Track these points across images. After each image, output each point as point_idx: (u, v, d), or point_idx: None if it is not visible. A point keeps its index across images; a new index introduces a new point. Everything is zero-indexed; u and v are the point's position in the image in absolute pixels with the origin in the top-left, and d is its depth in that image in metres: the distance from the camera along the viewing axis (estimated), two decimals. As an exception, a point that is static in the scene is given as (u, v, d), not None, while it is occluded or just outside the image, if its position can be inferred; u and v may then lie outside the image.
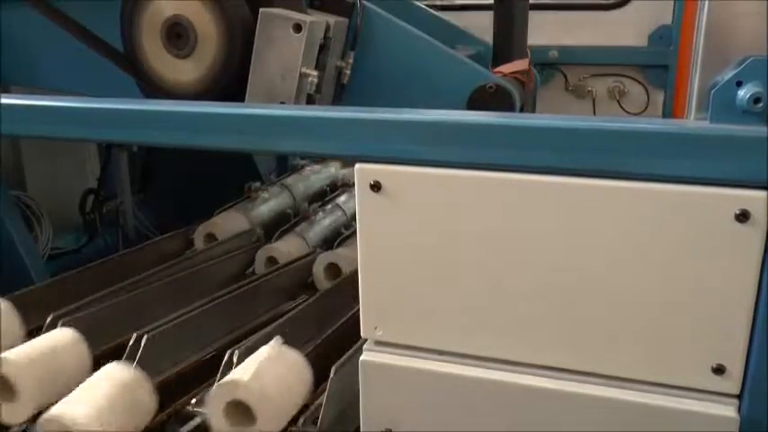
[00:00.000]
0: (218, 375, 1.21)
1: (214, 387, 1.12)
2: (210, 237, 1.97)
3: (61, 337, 1.25)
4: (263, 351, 1.17)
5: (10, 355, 1.17)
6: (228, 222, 1.99)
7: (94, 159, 2.44)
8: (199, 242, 1.95)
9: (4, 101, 1.19)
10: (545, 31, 2.46)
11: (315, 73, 1.37)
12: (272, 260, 1.83)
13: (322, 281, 1.74)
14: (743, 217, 0.80)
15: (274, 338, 1.20)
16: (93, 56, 1.57)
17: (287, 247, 1.86)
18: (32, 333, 1.43)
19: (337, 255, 1.75)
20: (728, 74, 0.80)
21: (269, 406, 1.08)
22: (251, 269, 1.85)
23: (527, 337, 0.95)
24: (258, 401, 1.07)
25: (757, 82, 0.78)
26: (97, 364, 1.32)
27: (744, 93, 0.79)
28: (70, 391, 1.12)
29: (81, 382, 1.14)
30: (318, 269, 1.75)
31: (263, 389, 1.08)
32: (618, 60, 2.66)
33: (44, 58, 1.69)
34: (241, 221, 2.01)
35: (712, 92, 0.82)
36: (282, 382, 1.13)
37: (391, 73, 1.51)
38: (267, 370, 1.12)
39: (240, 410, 1.09)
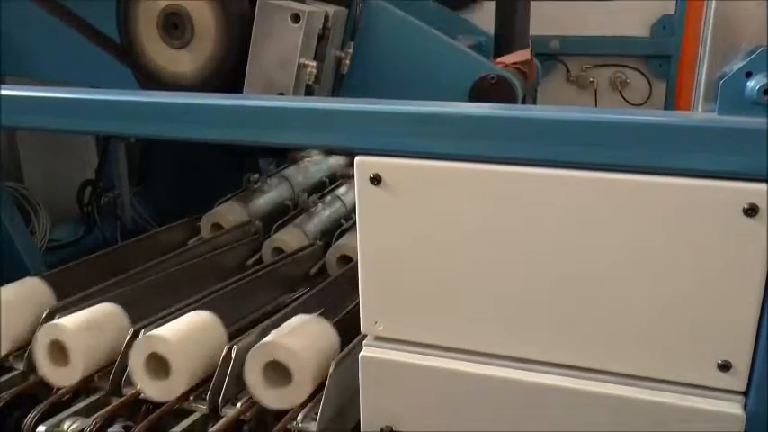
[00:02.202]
0: (216, 371, 1.20)
1: (252, 350, 1.17)
2: (214, 227, 1.96)
3: (106, 308, 1.35)
4: (294, 319, 1.27)
5: (65, 322, 1.26)
6: (227, 214, 1.97)
7: (92, 151, 2.42)
8: (204, 232, 1.95)
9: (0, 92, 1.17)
10: (546, 21, 2.43)
11: (313, 63, 1.35)
12: (277, 251, 1.82)
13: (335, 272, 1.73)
14: (751, 211, 0.79)
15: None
16: (89, 46, 1.55)
17: (290, 239, 1.85)
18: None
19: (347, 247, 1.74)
20: (737, 64, 0.78)
21: (305, 365, 1.15)
22: (250, 261, 1.84)
23: (530, 332, 0.94)
24: (294, 360, 1.14)
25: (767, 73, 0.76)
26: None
27: (753, 84, 0.77)
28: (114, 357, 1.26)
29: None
30: (332, 260, 1.75)
31: (299, 348, 1.16)
32: (620, 51, 2.64)
33: (39, 48, 1.67)
34: (240, 213, 2.00)
35: (720, 83, 0.80)
36: (315, 344, 1.21)
37: (391, 64, 1.49)
38: (301, 332, 1.22)
39: (277, 371, 1.16)
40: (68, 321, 1.27)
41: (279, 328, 1.23)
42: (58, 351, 1.26)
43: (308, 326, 1.26)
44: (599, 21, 2.60)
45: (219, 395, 1.18)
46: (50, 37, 1.62)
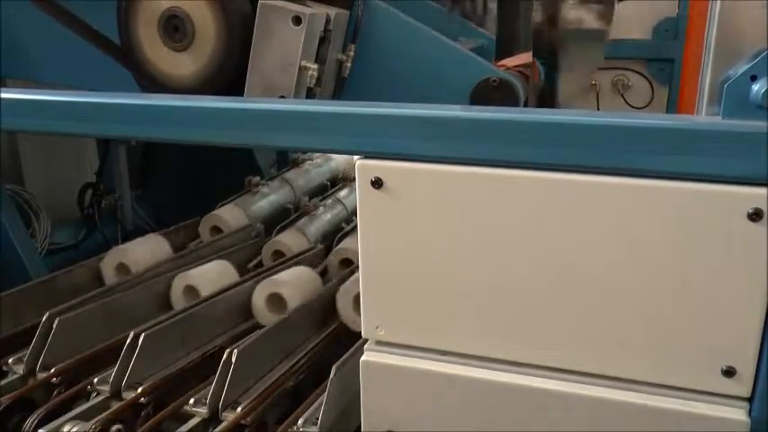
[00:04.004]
0: (217, 375, 1.19)
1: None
2: (214, 230, 1.95)
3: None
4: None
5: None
6: (228, 217, 1.97)
7: (93, 153, 2.42)
8: (205, 235, 1.94)
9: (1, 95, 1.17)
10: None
11: (315, 66, 1.34)
12: (277, 254, 1.82)
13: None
14: (756, 216, 0.78)
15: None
16: (89, 49, 1.54)
17: (291, 242, 1.85)
18: (29, 330, 1.42)
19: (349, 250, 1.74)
20: (742, 68, 0.78)
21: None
22: (251, 264, 1.84)
23: (532, 337, 0.93)
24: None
25: (772, 76, 0.76)
26: (100, 361, 1.35)
27: (758, 87, 0.76)
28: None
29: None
30: (333, 263, 1.76)
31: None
32: (622, 53, 2.62)
33: (39, 50, 1.67)
34: (240, 216, 1.99)
35: (725, 86, 0.79)
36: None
37: (393, 66, 1.49)
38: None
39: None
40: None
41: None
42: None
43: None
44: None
45: (220, 399, 1.18)
46: (51, 40, 1.62)
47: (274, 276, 1.59)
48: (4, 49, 1.66)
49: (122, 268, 1.71)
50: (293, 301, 1.52)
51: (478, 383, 0.97)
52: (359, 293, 1.06)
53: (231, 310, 1.53)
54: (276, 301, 1.55)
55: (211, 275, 1.64)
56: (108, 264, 1.71)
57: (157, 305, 1.58)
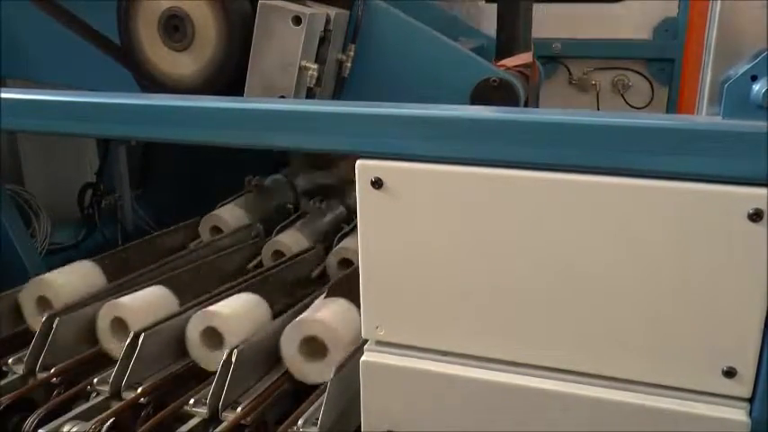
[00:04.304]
0: (217, 375, 1.19)
1: (287, 328, 1.26)
2: (214, 230, 1.95)
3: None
4: (317, 301, 1.36)
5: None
6: (229, 217, 1.97)
7: (93, 153, 2.42)
8: (204, 235, 1.94)
9: (1, 95, 1.17)
10: (548, 23, 2.42)
11: (315, 66, 1.34)
12: (277, 254, 1.81)
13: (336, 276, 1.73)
14: (756, 216, 0.78)
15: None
16: (89, 49, 1.54)
17: (291, 242, 1.84)
18: (29, 330, 1.42)
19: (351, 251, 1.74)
20: (742, 67, 0.78)
21: (338, 337, 1.23)
22: (251, 264, 1.83)
23: (532, 337, 0.93)
24: (328, 333, 1.23)
25: (773, 76, 0.76)
26: (100, 361, 1.35)
27: (759, 87, 0.76)
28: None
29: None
30: (332, 264, 1.75)
31: (332, 322, 1.25)
32: (622, 53, 2.63)
33: (39, 50, 1.67)
34: (240, 216, 1.99)
35: (725, 86, 0.79)
36: (342, 317, 1.28)
37: (393, 66, 1.49)
38: (327, 309, 1.30)
39: (312, 346, 1.25)
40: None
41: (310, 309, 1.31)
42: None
43: (334, 305, 1.32)
44: (601, 23, 2.59)
45: (220, 399, 1.18)
46: (51, 40, 1.62)
47: (212, 307, 1.34)
48: (4, 49, 1.66)
49: (43, 302, 1.46)
50: (231, 336, 1.29)
51: (478, 384, 0.97)
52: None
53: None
54: (212, 335, 1.32)
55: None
56: (27, 296, 1.48)
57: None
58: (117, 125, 1.14)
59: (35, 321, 1.42)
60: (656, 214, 0.83)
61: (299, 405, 1.19)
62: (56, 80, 1.65)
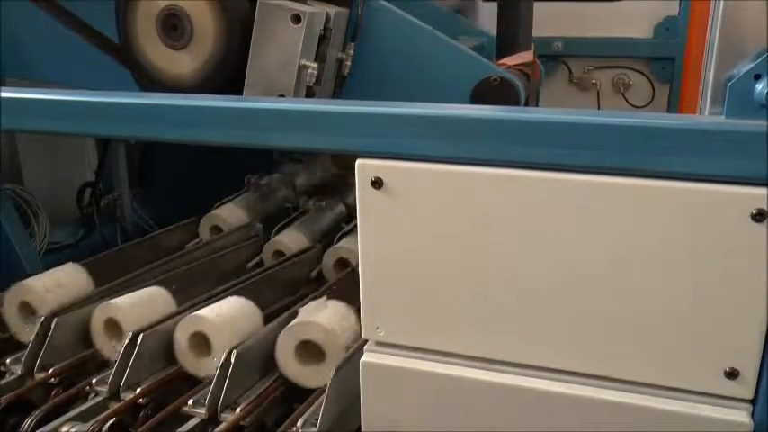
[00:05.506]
0: (216, 375, 1.18)
1: (282, 332, 1.23)
2: (214, 230, 1.94)
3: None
4: (311, 303, 1.34)
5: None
6: (229, 216, 1.96)
7: (92, 152, 2.41)
8: (204, 235, 1.93)
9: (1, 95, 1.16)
10: (548, 22, 2.42)
11: (314, 65, 1.34)
12: (278, 254, 1.81)
13: (332, 276, 1.72)
14: (759, 216, 0.77)
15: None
16: (88, 48, 1.54)
17: (291, 241, 1.84)
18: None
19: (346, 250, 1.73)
20: (745, 66, 0.77)
21: (334, 339, 1.21)
22: (251, 264, 1.83)
23: (532, 338, 0.93)
24: (325, 335, 1.21)
25: (776, 75, 0.75)
26: (98, 361, 1.35)
27: (762, 87, 0.76)
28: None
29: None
30: (328, 264, 1.73)
31: (327, 324, 1.22)
32: (623, 52, 2.62)
33: (39, 50, 1.66)
34: (239, 215, 1.99)
35: (728, 85, 0.79)
36: (338, 319, 1.26)
37: (393, 65, 1.48)
38: (323, 310, 1.28)
39: (307, 349, 1.23)
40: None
41: (303, 310, 1.30)
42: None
43: (333, 307, 1.30)
44: (602, 22, 2.58)
45: (219, 400, 1.17)
46: (50, 39, 1.61)
47: (200, 312, 1.30)
48: (4, 49, 1.66)
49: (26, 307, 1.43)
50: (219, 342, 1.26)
51: (479, 384, 0.97)
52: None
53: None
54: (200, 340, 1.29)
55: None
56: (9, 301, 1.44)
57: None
58: (117, 125, 1.14)
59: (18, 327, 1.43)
60: (658, 214, 0.82)
61: (298, 406, 1.19)
62: (55, 79, 1.64)
